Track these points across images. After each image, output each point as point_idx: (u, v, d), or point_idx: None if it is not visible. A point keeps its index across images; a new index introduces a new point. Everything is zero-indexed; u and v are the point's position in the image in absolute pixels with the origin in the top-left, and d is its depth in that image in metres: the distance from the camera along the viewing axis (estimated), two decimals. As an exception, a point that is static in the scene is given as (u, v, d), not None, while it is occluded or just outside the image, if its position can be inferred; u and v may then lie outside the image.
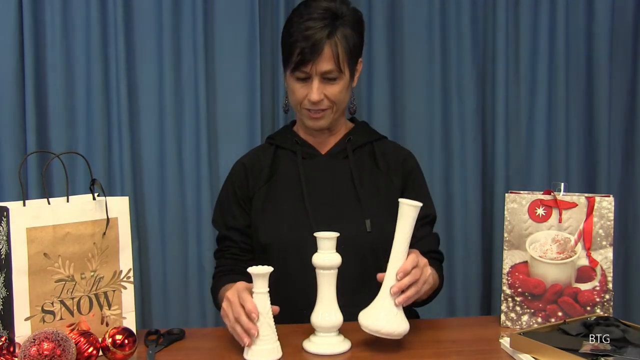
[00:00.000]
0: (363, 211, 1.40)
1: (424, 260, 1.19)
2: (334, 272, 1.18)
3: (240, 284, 1.19)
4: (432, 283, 1.26)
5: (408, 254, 1.17)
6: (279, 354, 1.14)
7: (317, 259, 1.17)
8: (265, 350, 1.12)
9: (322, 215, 1.39)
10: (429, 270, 1.19)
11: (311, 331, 1.22)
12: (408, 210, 1.14)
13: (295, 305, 1.31)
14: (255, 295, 1.13)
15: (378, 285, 1.18)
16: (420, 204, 1.15)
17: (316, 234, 1.18)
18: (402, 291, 1.14)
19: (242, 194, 1.48)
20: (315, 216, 1.38)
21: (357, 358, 1.16)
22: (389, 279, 1.16)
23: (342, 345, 1.18)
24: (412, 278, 1.14)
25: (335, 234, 1.18)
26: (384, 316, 1.14)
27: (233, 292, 1.17)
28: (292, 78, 1.39)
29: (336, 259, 1.17)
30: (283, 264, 1.31)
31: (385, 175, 1.47)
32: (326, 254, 1.17)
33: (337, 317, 1.18)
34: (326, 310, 1.18)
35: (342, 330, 1.21)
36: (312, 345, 1.18)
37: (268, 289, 1.13)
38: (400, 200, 1.15)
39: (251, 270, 1.12)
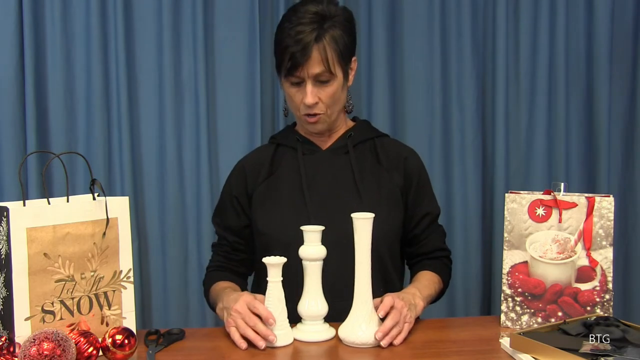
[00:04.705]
0: (364, 206, 1.40)
1: (400, 303, 1.22)
2: (320, 264, 1.25)
3: (247, 295, 1.24)
4: (416, 315, 1.30)
5: (385, 297, 1.22)
6: (292, 338, 1.23)
7: (303, 251, 1.24)
8: (280, 335, 1.20)
9: (322, 210, 1.40)
10: (405, 311, 1.22)
11: None
12: (363, 224, 1.19)
13: (294, 300, 1.31)
14: (270, 284, 1.21)
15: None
16: (373, 215, 1.19)
17: (302, 228, 1.25)
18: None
19: (239, 195, 1.50)
20: (315, 210, 1.40)
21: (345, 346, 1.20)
22: (359, 290, 1.20)
23: (327, 332, 1.25)
24: (393, 322, 1.19)
25: (321, 228, 1.24)
26: (357, 328, 1.19)
27: (241, 304, 1.22)
28: (287, 84, 1.42)
29: (322, 251, 1.24)
30: (283, 257, 1.32)
31: (387, 171, 1.48)
32: (312, 247, 1.24)
33: (322, 307, 1.25)
34: (312, 300, 1.25)
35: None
36: (299, 333, 1.25)
37: (281, 278, 1.21)
38: (353, 215, 1.19)
39: (266, 260, 1.21)
